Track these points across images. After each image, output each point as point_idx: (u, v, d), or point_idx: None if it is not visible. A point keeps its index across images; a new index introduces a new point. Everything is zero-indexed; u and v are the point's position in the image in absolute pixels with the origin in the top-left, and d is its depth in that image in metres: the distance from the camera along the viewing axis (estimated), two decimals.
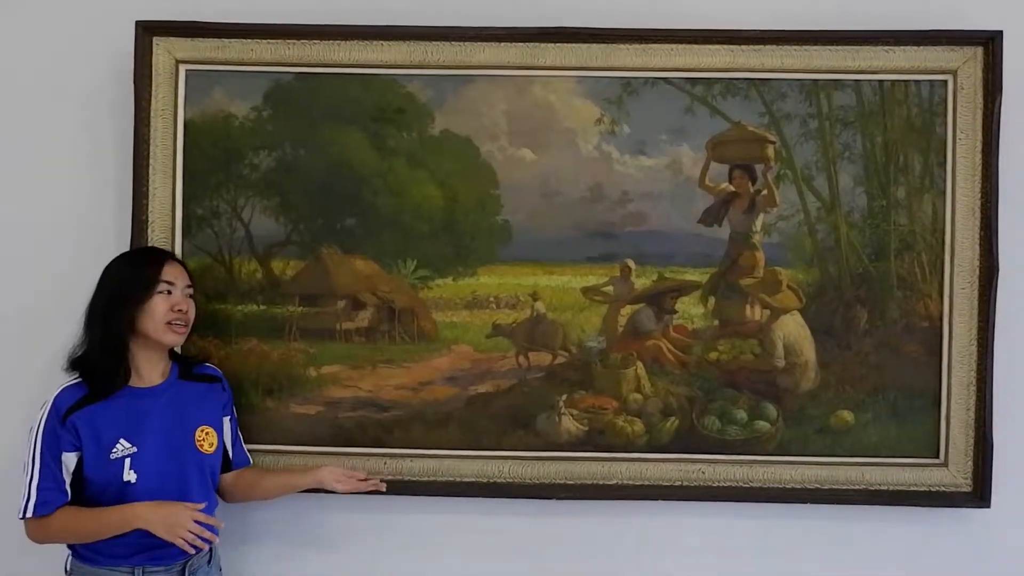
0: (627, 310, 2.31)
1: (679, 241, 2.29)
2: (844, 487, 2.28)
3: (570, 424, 2.30)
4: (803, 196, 2.28)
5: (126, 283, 2.02)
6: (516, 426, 2.30)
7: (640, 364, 2.30)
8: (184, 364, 2.14)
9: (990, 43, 2.22)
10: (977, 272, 2.25)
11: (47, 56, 2.33)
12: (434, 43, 2.27)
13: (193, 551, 1.97)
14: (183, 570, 2.04)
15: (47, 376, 2.13)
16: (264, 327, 2.30)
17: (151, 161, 2.26)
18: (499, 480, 2.29)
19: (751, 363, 2.30)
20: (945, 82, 2.25)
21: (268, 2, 2.29)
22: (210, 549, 2.10)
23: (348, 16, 2.27)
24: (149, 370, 2.07)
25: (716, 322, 2.30)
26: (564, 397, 2.30)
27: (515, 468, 2.30)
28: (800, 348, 2.29)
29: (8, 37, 2.34)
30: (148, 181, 2.26)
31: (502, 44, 2.27)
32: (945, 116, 2.26)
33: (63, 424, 1.96)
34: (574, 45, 2.26)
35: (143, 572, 2.00)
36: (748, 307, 2.30)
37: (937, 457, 2.27)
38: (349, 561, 2.35)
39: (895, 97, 2.27)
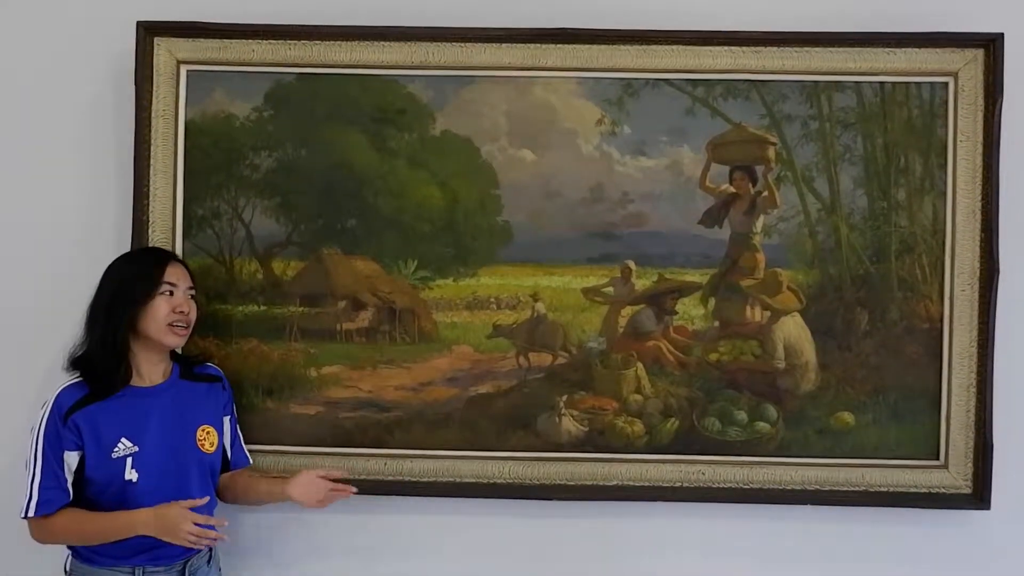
0: (627, 311, 2.31)
1: (679, 242, 2.29)
2: (844, 488, 2.28)
3: (570, 425, 2.30)
4: (804, 197, 2.28)
5: (128, 283, 2.02)
6: (516, 427, 2.30)
7: (640, 365, 2.30)
8: (185, 364, 2.15)
9: (991, 45, 2.22)
10: (977, 274, 2.25)
11: (48, 56, 2.33)
12: (435, 44, 2.27)
13: (203, 547, 1.97)
14: (183, 570, 2.04)
15: (48, 376, 2.13)
16: (265, 327, 2.30)
17: (152, 161, 2.26)
18: (499, 481, 2.30)
19: (751, 364, 2.30)
20: (946, 84, 2.25)
21: (269, 3, 2.29)
22: (210, 549, 2.11)
23: (349, 17, 2.27)
24: (150, 370, 2.07)
25: (716, 323, 2.30)
26: (564, 398, 2.30)
27: (515, 469, 2.30)
28: (800, 349, 2.29)
29: (9, 37, 2.34)
30: (149, 181, 2.26)
31: (503, 45, 2.27)
32: (946, 118, 2.26)
33: (65, 423, 1.96)
34: (575, 46, 2.26)
35: (143, 572, 2.00)
36: (748, 308, 2.30)
37: (937, 459, 2.27)
38: (349, 561, 2.35)
39: (896, 99, 2.27)
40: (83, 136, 2.32)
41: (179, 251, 2.27)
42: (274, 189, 2.30)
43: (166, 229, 2.27)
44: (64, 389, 2.00)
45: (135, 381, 2.04)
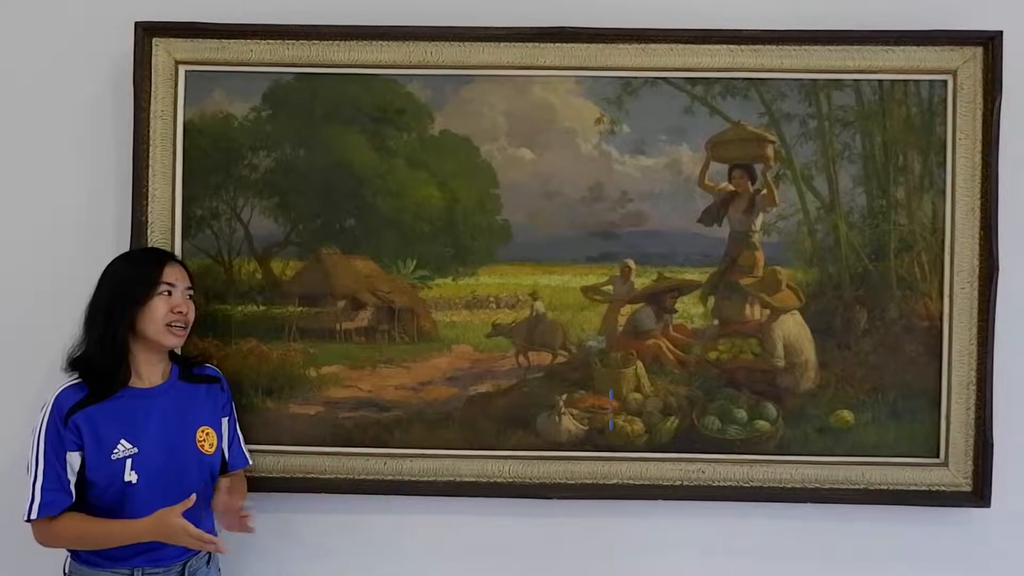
0: (627, 309, 2.31)
1: (679, 241, 2.29)
2: (844, 487, 2.28)
3: (570, 424, 2.30)
4: (803, 196, 2.28)
5: (126, 283, 2.02)
6: (516, 426, 2.30)
7: (640, 363, 2.30)
8: (184, 365, 2.14)
9: (990, 43, 2.22)
10: (977, 272, 2.25)
11: (46, 57, 2.33)
12: (434, 43, 2.26)
13: (209, 546, 1.97)
14: (182, 571, 2.04)
15: (48, 376, 2.13)
16: (264, 327, 2.30)
17: (150, 162, 2.26)
18: (499, 480, 2.30)
19: (751, 362, 2.30)
20: (945, 82, 2.25)
21: (267, 3, 2.29)
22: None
23: (347, 16, 2.27)
24: (149, 371, 2.07)
25: (716, 321, 2.30)
26: (564, 397, 2.30)
27: (515, 468, 2.30)
28: (800, 348, 2.29)
29: (7, 38, 2.33)
30: (148, 182, 2.26)
31: (502, 44, 2.27)
32: (945, 116, 2.26)
33: (65, 424, 1.96)
34: (574, 45, 2.26)
35: (142, 573, 2.00)
36: (748, 306, 2.30)
37: (937, 457, 2.27)
38: (349, 561, 2.35)
39: (895, 97, 2.27)
40: (82, 137, 2.32)
41: (178, 251, 2.27)
42: (273, 189, 2.30)
43: (165, 229, 2.27)
44: (64, 390, 2.00)
45: (134, 382, 2.04)
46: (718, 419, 2.30)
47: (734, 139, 2.28)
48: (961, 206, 2.25)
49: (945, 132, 2.26)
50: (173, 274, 2.06)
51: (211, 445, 2.08)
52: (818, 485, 2.28)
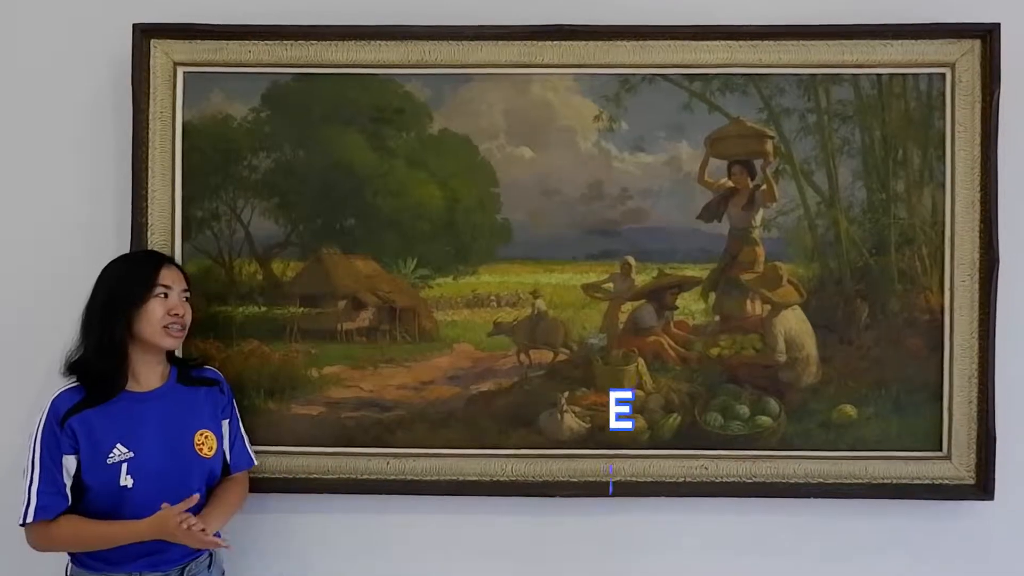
0: (628, 307, 2.31)
1: (679, 237, 2.29)
2: (847, 481, 2.28)
3: (572, 422, 2.30)
4: (802, 191, 2.28)
5: (122, 286, 2.02)
6: (518, 424, 2.30)
7: (641, 361, 2.30)
8: (183, 367, 2.14)
9: (988, 36, 2.22)
10: (977, 265, 2.25)
11: (45, 59, 2.33)
12: (432, 42, 2.27)
13: (206, 549, 1.96)
14: (181, 574, 2.03)
15: (48, 378, 2.12)
16: (265, 328, 2.30)
17: (150, 163, 2.26)
18: (502, 478, 2.30)
19: (752, 358, 2.30)
20: (943, 75, 2.25)
21: (265, 3, 2.29)
22: (210, 554, 2.10)
23: (345, 16, 2.27)
24: (147, 374, 2.06)
25: (717, 318, 2.30)
26: (566, 395, 2.30)
27: (517, 466, 2.30)
28: (801, 343, 2.29)
29: (7, 40, 2.33)
30: (147, 184, 2.26)
31: (500, 43, 2.27)
32: (943, 109, 2.26)
33: (62, 427, 1.96)
34: (572, 43, 2.26)
35: None
36: (749, 302, 2.30)
37: (940, 450, 2.27)
38: (351, 561, 2.34)
39: (893, 91, 2.27)
40: (81, 138, 2.32)
41: (178, 253, 2.27)
42: (273, 190, 2.30)
43: (165, 231, 2.27)
44: (61, 393, 2.00)
45: (132, 386, 2.03)
46: (720, 415, 2.29)
47: (733, 135, 2.28)
48: (961, 199, 2.25)
49: (944, 125, 2.26)
50: (169, 276, 2.06)
51: (210, 448, 2.08)
52: (821, 480, 2.28)
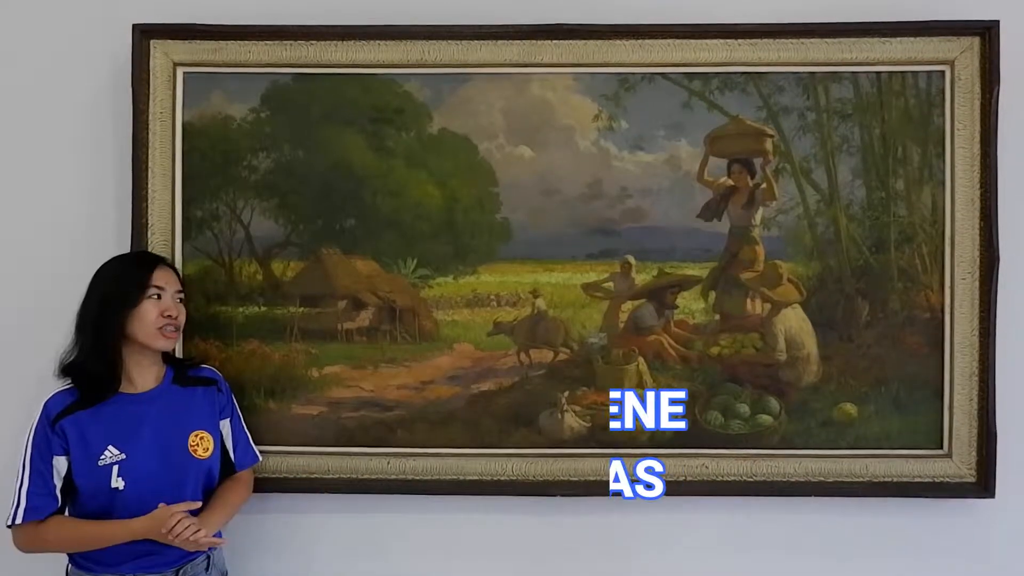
0: (628, 306, 2.31)
1: (679, 236, 2.29)
2: (848, 480, 2.27)
3: (572, 421, 2.30)
4: (802, 189, 2.28)
5: (116, 287, 2.02)
6: (519, 424, 2.30)
7: (642, 360, 2.30)
8: (179, 367, 2.14)
9: (987, 33, 2.22)
10: (977, 262, 2.24)
11: (45, 60, 2.34)
12: (431, 42, 2.27)
13: (201, 550, 1.96)
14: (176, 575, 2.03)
15: (46, 380, 2.12)
16: (265, 328, 2.30)
17: (150, 164, 2.26)
18: (502, 478, 2.29)
19: (753, 357, 2.29)
20: (943, 72, 2.25)
21: (264, 3, 2.29)
22: (208, 556, 2.09)
23: (344, 16, 2.27)
24: (141, 375, 2.06)
25: (717, 316, 2.30)
26: (566, 394, 2.30)
27: (518, 466, 2.30)
28: (802, 341, 2.29)
29: (6, 41, 2.34)
30: (147, 184, 2.26)
31: (499, 42, 2.27)
32: (943, 107, 2.26)
33: (53, 429, 1.96)
34: (571, 42, 2.26)
35: None
36: (749, 301, 2.30)
37: (941, 448, 2.27)
38: (351, 561, 2.34)
39: (892, 88, 2.27)
40: (81, 139, 2.32)
41: (178, 253, 2.27)
42: (272, 190, 2.30)
43: (165, 231, 2.28)
44: (54, 395, 2.00)
45: (125, 388, 2.03)
46: (721, 414, 2.29)
47: (733, 133, 2.28)
48: (961, 197, 2.25)
49: (943, 123, 2.26)
50: (163, 277, 2.06)
51: (205, 449, 2.07)
52: (822, 478, 2.28)
